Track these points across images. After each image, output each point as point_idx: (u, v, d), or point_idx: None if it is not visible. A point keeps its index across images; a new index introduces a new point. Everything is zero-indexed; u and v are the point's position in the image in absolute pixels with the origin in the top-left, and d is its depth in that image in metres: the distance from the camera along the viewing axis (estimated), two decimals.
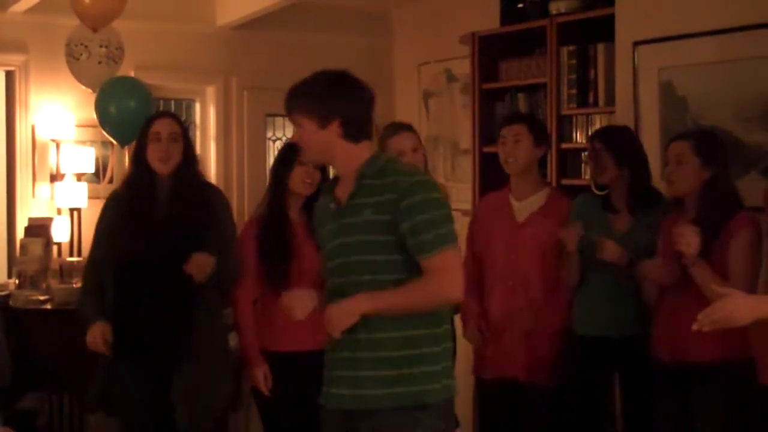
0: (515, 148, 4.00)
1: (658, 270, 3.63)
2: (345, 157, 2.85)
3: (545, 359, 3.96)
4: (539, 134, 4.06)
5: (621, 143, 3.92)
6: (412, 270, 2.77)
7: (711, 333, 2.79)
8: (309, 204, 3.93)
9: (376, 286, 2.77)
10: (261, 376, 3.84)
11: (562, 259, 3.91)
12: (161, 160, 3.79)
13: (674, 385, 3.57)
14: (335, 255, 2.86)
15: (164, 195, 3.82)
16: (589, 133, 4.37)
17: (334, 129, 2.82)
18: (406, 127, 4.00)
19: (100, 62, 5.39)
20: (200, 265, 3.68)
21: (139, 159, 3.84)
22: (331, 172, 3.39)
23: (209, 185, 4.09)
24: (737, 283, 3.33)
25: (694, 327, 2.76)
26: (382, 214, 2.77)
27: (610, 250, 3.72)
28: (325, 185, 3.17)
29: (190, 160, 3.87)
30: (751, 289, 3.32)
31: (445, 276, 2.77)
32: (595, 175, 3.96)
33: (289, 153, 3.95)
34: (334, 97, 2.83)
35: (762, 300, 2.91)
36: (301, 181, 3.90)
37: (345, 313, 2.74)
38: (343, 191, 2.88)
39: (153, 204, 3.80)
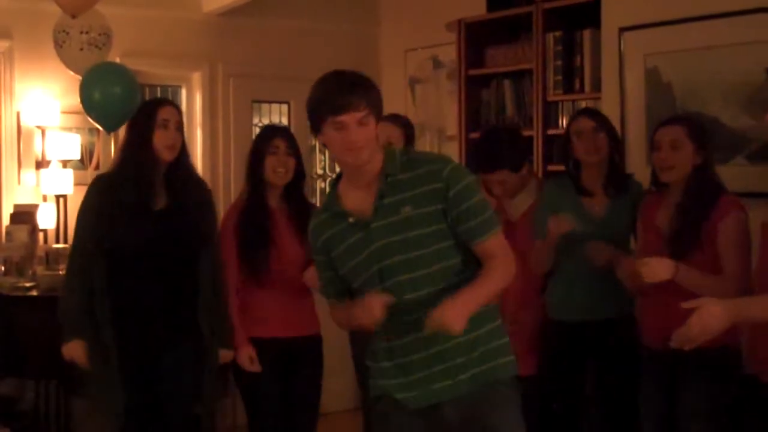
0: (503, 194, 3.95)
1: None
2: (376, 158, 2.74)
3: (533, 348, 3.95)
4: (522, 166, 3.96)
5: (611, 123, 3.94)
6: (465, 251, 2.73)
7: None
8: (288, 192, 3.96)
9: (446, 273, 2.71)
10: (246, 358, 3.87)
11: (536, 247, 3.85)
12: (169, 148, 3.74)
13: (662, 372, 3.52)
14: (383, 256, 2.70)
15: (160, 184, 3.77)
16: None
17: (375, 128, 2.70)
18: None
19: (81, 49, 5.35)
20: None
21: (145, 145, 3.73)
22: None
23: (203, 181, 4.03)
24: (730, 267, 3.33)
25: (672, 344, 2.72)
26: (426, 206, 2.70)
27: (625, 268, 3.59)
28: (317, 209, 3.01)
29: (186, 150, 3.85)
30: (746, 271, 3.29)
31: (507, 256, 2.75)
32: (587, 154, 3.86)
33: (260, 144, 3.97)
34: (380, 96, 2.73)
35: (737, 302, 2.83)
36: (273, 171, 3.93)
37: (461, 315, 2.60)
38: (359, 201, 2.76)
39: (153, 192, 3.76)
